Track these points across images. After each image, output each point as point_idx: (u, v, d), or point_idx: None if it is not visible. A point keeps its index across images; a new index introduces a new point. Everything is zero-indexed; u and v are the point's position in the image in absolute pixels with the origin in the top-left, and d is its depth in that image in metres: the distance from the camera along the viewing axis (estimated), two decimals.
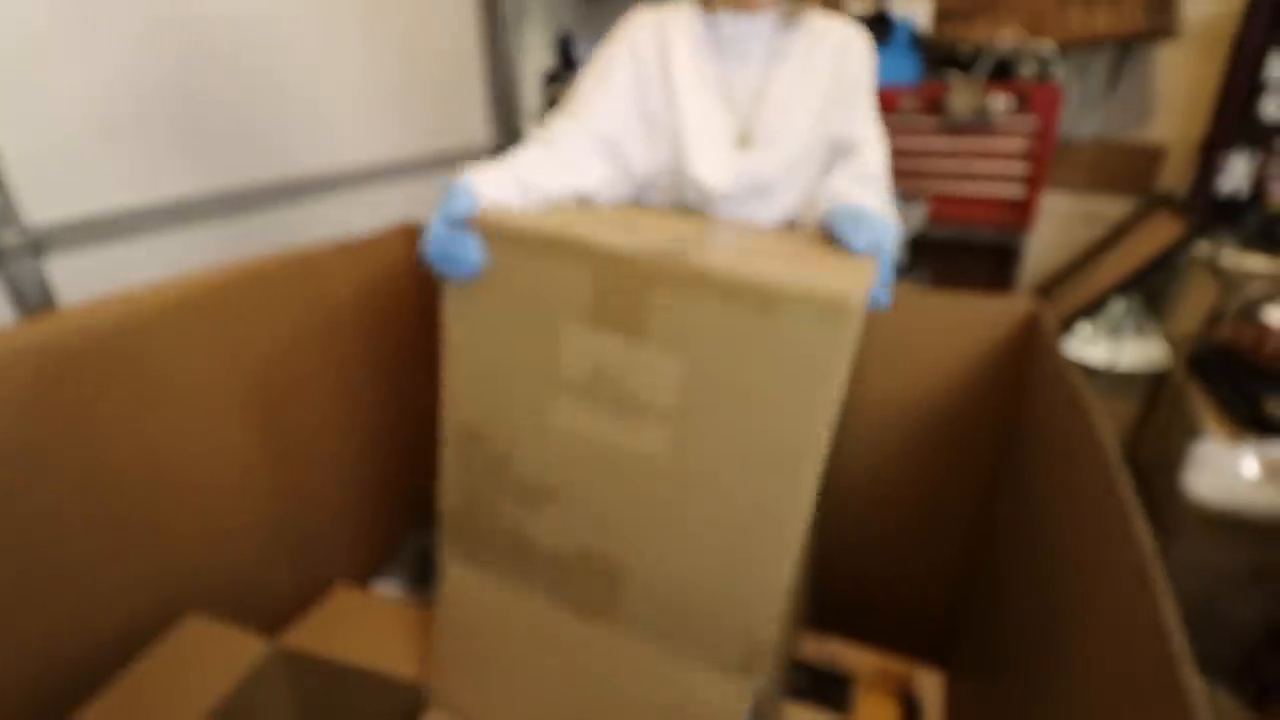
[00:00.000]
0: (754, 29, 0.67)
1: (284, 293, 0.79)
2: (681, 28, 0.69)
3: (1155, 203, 1.58)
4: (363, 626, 0.74)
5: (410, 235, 0.93)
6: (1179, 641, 0.35)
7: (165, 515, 0.70)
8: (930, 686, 0.82)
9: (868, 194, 0.63)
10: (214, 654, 0.67)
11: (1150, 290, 1.56)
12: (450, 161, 1.34)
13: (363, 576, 0.84)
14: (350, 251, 0.86)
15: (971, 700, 0.77)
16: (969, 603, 0.82)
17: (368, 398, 0.92)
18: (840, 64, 0.67)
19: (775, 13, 0.67)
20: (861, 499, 0.82)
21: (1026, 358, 0.68)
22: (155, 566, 0.70)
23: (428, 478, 1.04)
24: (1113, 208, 1.68)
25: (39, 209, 0.75)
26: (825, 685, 0.81)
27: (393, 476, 0.98)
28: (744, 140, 0.68)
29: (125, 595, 0.67)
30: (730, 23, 0.67)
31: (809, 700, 0.79)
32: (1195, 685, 0.33)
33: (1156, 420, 1.49)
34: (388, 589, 0.83)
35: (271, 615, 0.80)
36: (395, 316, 0.94)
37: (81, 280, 0.78)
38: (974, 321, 0.69)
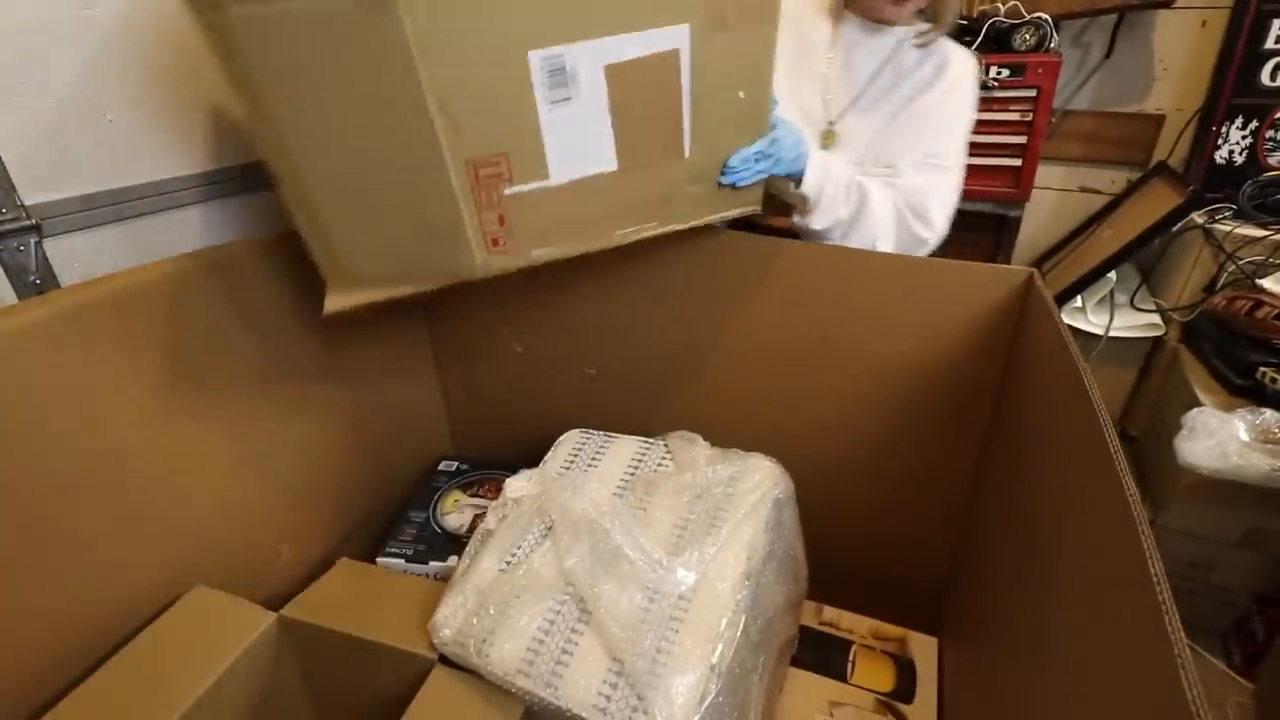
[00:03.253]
0: (877, 45, 0.67)
1: (277, 266, 0.79)
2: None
3: (1152, 173, 1.58)
4: (366, 598, 0.75)
5: None
6: (1165, 593, 0.36)
7: (170, 491, 0.71)
8: (924, 650, 0.84)
9: (878, 188, 0.64)
10: (219, 624, 0.68)
11: (1146, 260, 1.56)
12: None
13: (366, 555, 0.85)
14: None
15: (964, 661, 0.78)
16: (960, 567, 0.83)
17: (354, 377, 0.93)
18: (943, 96, 0.68)
19: (907, 31, 0.67)
20: (856, 467, 0.83)
21: (1022, 325, 0.68)
22: (162, 542, 0.70)
23: (417, 456, 1.05)
24: (1109, 178, 1.67)
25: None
26: (822, 652, 0.82)
27: (384, 455, 0.99)
28: (826, 139, 0.70)
29: (133, 570, 0.68)
30: (855, 32, 0.67)
31: (808, 667, 0.80)
32: (1179, 633, 0.34)
33: (1150, 388, 1.50)
34: (390, 566, 0.84)
35: (275, 592, 0.81)
36: None
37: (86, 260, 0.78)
38: (969, 288, 0.70)
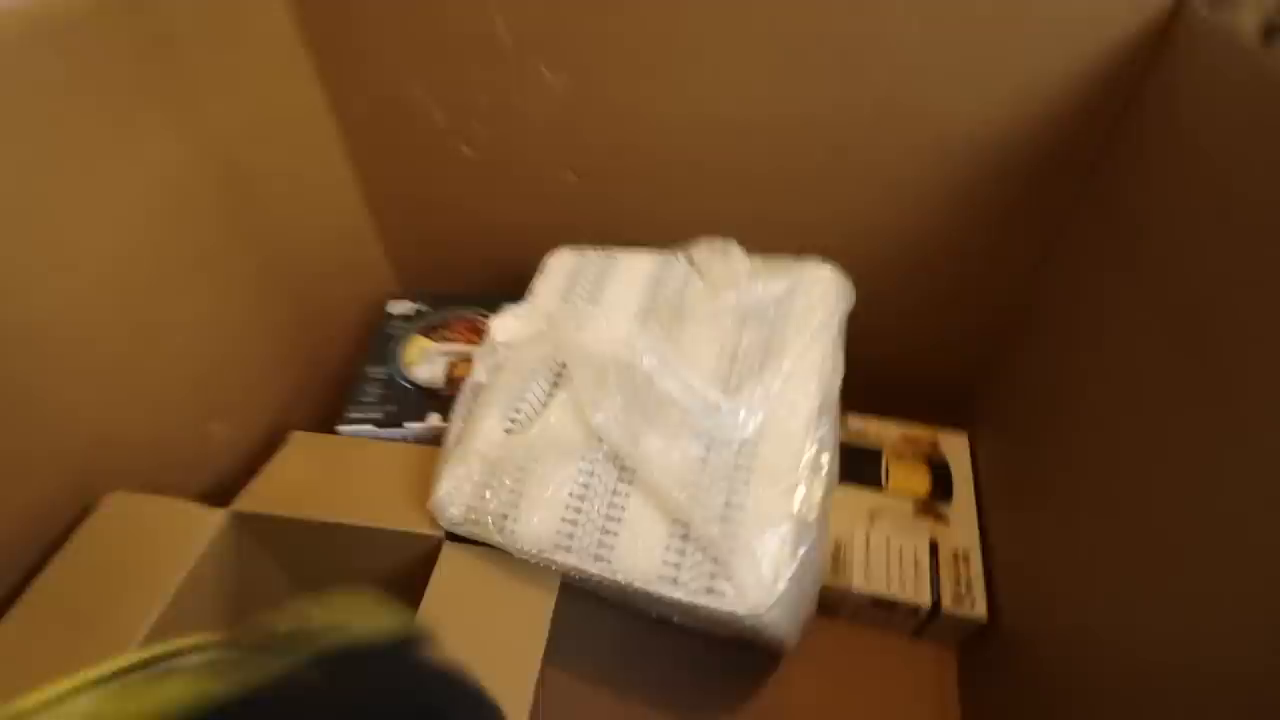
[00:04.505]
0: None
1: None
2: None
3: None
4: (336, 475, 0.61)
5: None
6: None
7: (42, 372, 0.51)
8: (956, 448, 0.79)
9: None
10: (151, 538, 0.53)
11: None
12: None
13: (321, 426, 0.69)
14: None
15: (996, 457, 0.75)
16: (997, 362, 0.77)
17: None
18: None
19: None
20: (902, 263, 0.71)
21: (1153, 74, 0.53)
22: (44, 440, 0.53)
23: (357, 299, 0.87)
24: None
25: None
26: (855, 463, 0.77)
27: (313, 303, 0.80)
28: None
29: (12, 483, 0.51)
30: None
31: (842, 480, 0.75)
32: None
33: None
34: (355, 434, 0.70)
35: (215, 483, 0.66)
36: None
37: None
38: (1085, 19, 0.53)
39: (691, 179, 0.73)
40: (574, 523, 0.50)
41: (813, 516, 0.47)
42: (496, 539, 0.51)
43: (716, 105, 0.67)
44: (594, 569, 0.48)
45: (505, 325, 0.60)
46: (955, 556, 0.70)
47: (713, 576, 0.46)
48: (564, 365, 0.57)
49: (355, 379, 0.72)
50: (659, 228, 0.70)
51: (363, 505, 0.58)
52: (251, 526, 0.57)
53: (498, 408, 0.56)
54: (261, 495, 0.59)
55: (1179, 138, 0.52)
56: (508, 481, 0.52)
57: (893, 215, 0.69)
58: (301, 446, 0.65)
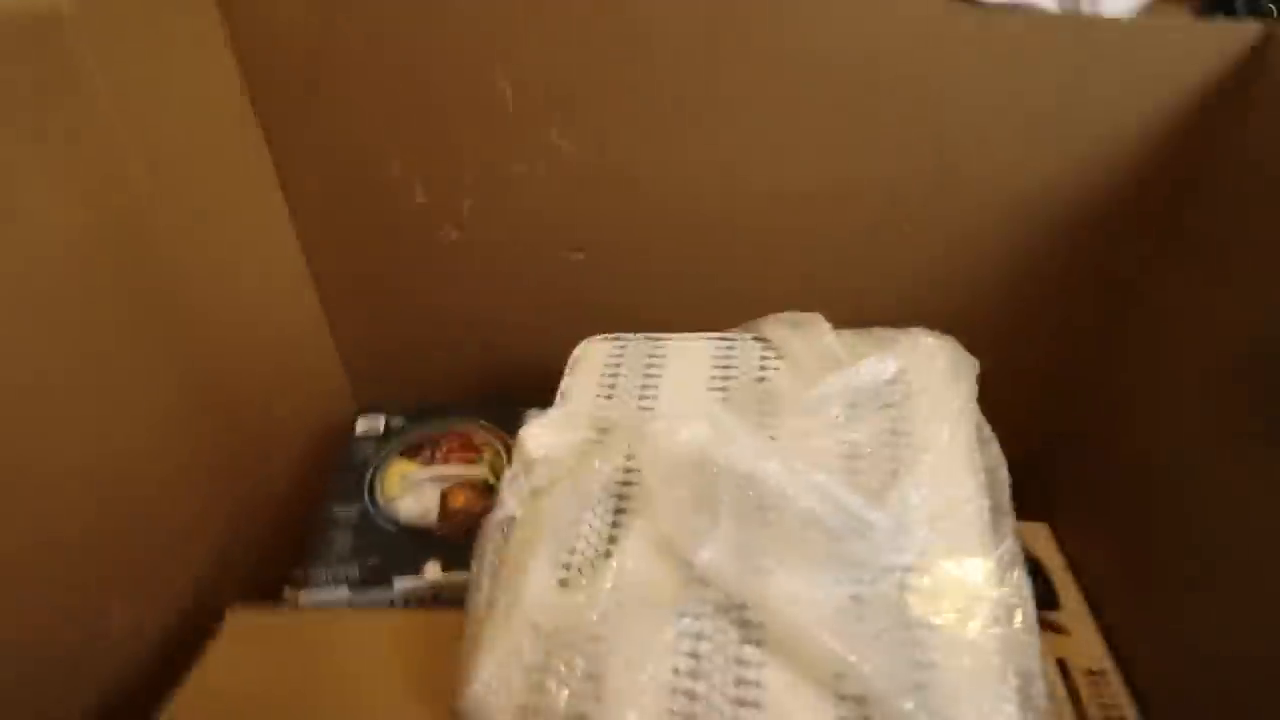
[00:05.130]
0: None
1: None
2: None
3: None
4: (303, 671, 0.42)
5: None
6: None
7: None
8: (1040, 542, 0.69)
9: None
10: None
11: None
12: None
13: (267, 594, 0.51)
14: None
15: (1103, 550, 0.64)
16: (1077, 441, 0.69)
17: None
18: None
19: None
20: (963, 331, 0.64)
21: (1246, 113, 0.49)
22: None
23: (307, 422, 0.69)
24: None
25: None
26: None
27: (251, 432, 0.62)
28: None
29: None
30: None
31: None
32: None
33: None
34: (321, 603, 0.50)
35: (114, 685, 0.45)
36: None
37: None
38: (1168, 57, 0.49)
39: (723, 254, 0.63)
40: (690, 716, 0.34)
41: (1035, 664, 0.34)
42: None
43: (754, 170, 0.59)
44: None
45: (539, 436, 0.45)
46: (1090, 676, 0.58)
47: None
48: (629, 483, 0.43)
49: (315, 526, 0.54)
50: (683, 311, 0.59)
51: (349, 716, 0.39)
52: None
53: (545, 551, 0.41)
54: (191, 707, 0.40)
55: (1268, 184, 0.48)
56: (580, 662, 0.36)
57: (955, 284, 0.62)
58: (244, 631, 0.46)
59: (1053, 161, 0.54)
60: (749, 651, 0.36)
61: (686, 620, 0.37)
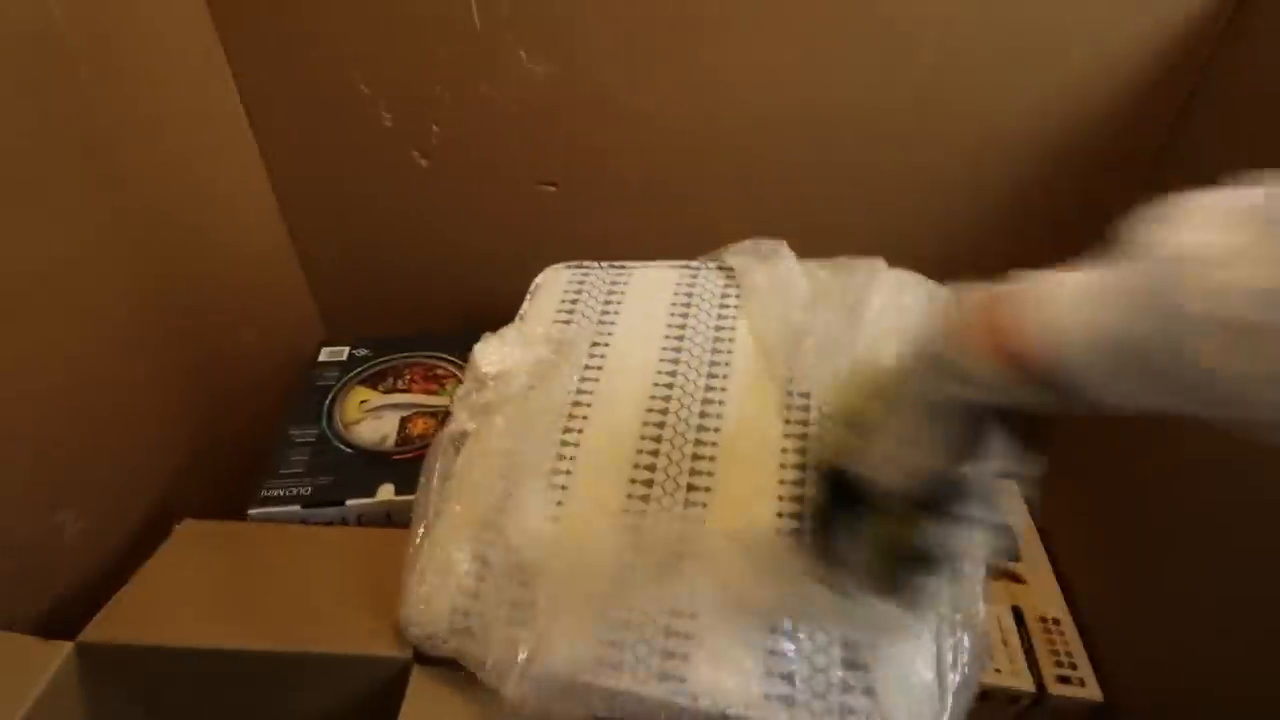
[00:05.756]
0: None
1: None
2: None
3: None
4: (249, 578, 0.43)
5: None
6: None
7: None
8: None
9: None
10: None
11: None
12: None
13: (226, 511, 0.50)
14: None
15: (1071, 505, 0.64)
16: None
17: None
18: None
19: None
20: (944, 271, 0.62)
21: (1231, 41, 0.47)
22: None
23: (275, 349, 0.69)
24: None
25: None
26: None
27: (217, 351, 0.62)
28: None
29: None
30: None
31: None
32: None
33: None
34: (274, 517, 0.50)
35: (68, 592, 0.45)
36: None
37: None
38: None
39: (699, 183, 0.62)
40: (629, 625, 0.34)
41: (979, 600, 0.33)
42: (500, 660, 0.34)
43: (735, 93, 0.57)
44: (660, 692, 0.33)
45: (492, 353, 0.45)
46: (1044, 623, 0.58)
47: (846, 690, 0.31)
48: (579, 403, 0.42)
49: (273, 444, 0.54)
50: (658, 246, 0.58)
51: (287, 621, 0.39)
52: (113, 662, 0.38)
53: (494, 466, 0.41)
54: (127, 616, 0.40)
55: (1265, 103, 0.46)
56: (516, 579, 0.36)
57: (937, 218, 0.60)
58: (193, 540, 0.46)
59: (1042, 89, 0.52)
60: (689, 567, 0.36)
61: (625, 537, 0.37)
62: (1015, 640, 0.56)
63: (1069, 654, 0.56)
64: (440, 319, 0.67)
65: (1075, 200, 0.58)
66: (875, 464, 0.28)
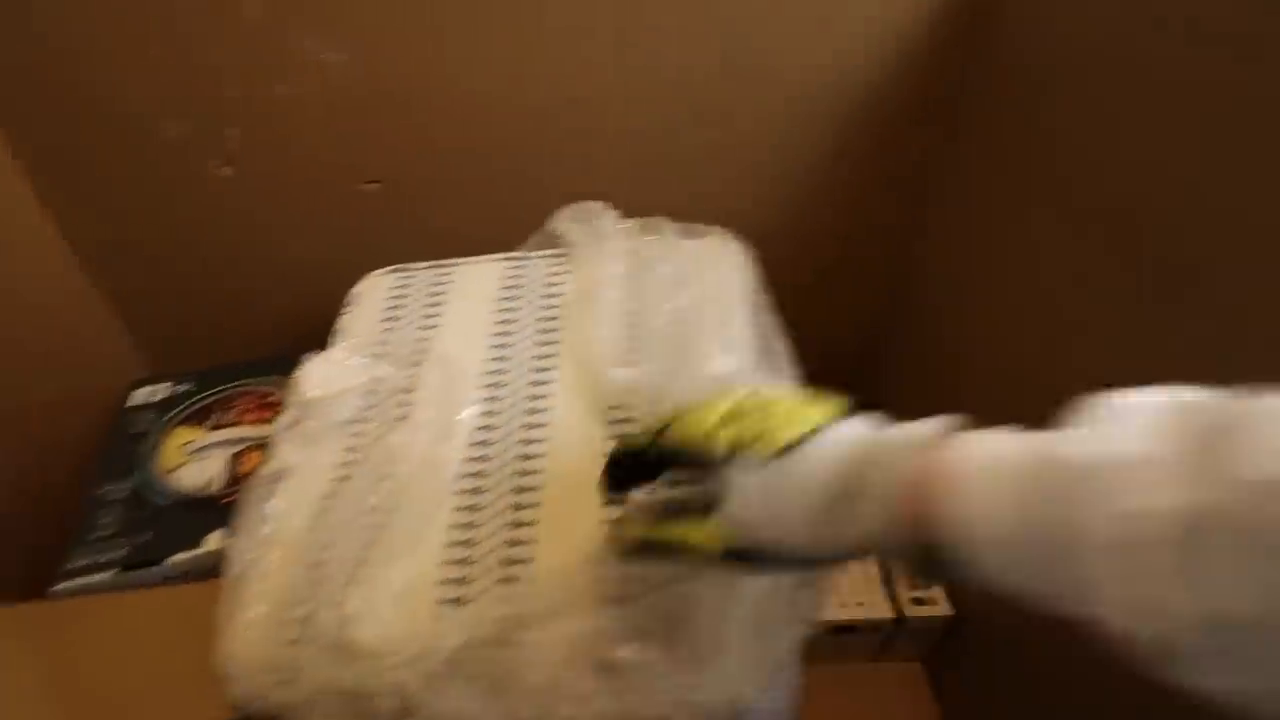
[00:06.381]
0: None
1: None
2: None
3: None
4: (57, 668, 0.38)
5: None
6: None
7: None
8: None
9: None
10: None
11: None
12: None
13: (34, 590, 0.44)
14: None
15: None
16: (898, 326, 0.71)
17: None
18: None
19: None
20: (775, 230, 0.63)
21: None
22: None
23: (78, 396, 0.61)
24: None
25: None
26: None
27: (33, 405, 0.55)
28: None
29: None
30: None
31: None
32: None
33: None
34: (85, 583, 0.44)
35: None
36: None
37: None
38: None
39: (527, 169, 0.59)
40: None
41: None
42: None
43: (550, 75, 0.54)
44: None
45: (316, 375, 0.41)
46: None
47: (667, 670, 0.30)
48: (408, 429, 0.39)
49: (83, 509, 0.48)
50: (494, 237, 0.55)
51: (102, 710, 0.35)
52: None
53: (323, 508, 0.37)
54: None
55: (1043, 47, 0.48)
56: (342, 652, 0.33)
57: (762, 180, 0.60)
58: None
59: (837, 52, 0.53)
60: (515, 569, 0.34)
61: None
62: (874, 572, 0.59)
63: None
64: (271, 340, 0.62)
65: (882, 159, 0.60)
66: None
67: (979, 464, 0.20)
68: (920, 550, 0.21)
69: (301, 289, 0.63)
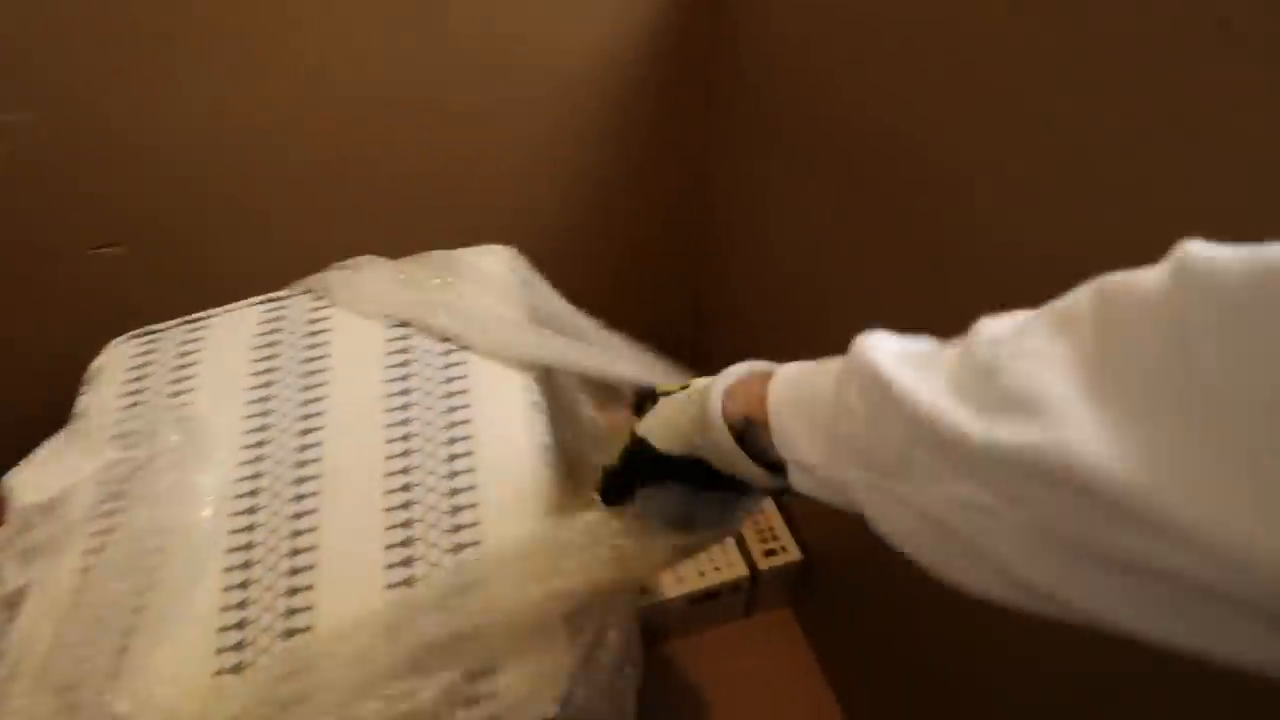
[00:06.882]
0: None
1: None
2: None
3: None
4: None
5: None
6: None
7: None
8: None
9: None
10: None
11: None
12: None
13: None
14: None
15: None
16: (712, 293, 0.73)
17: None
18: None
19: None
20: (566, 222, 0.63)
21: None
22: None
23: None
24: None
25: None
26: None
27: None
28: None
29: None
30: None
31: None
32: None
33: None
34: None
35: None
36: None
37: None
38: None
39: (285, 201, 0.55)
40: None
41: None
42: None
43: (288, 96, 0.51)
44: None
45: (32, 479, 0.36)
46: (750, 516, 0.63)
47: (471, 704, 0.30)
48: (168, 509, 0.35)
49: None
50: (263, 275, 0.51)
51: None
52: None
53: (80, 619, 0.33)
54: None
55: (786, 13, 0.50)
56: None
57: (541, 177, 0.60)
58: None
59: (598, 37, 0.53)
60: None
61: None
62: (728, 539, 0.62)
63: (771, 529, 0.62)
64: (16, 430, 0.54)
65: (660, 146, 0.61)
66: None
67: (780, 377, 0.27)
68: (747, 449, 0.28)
69: (33, 377, 0.55)
